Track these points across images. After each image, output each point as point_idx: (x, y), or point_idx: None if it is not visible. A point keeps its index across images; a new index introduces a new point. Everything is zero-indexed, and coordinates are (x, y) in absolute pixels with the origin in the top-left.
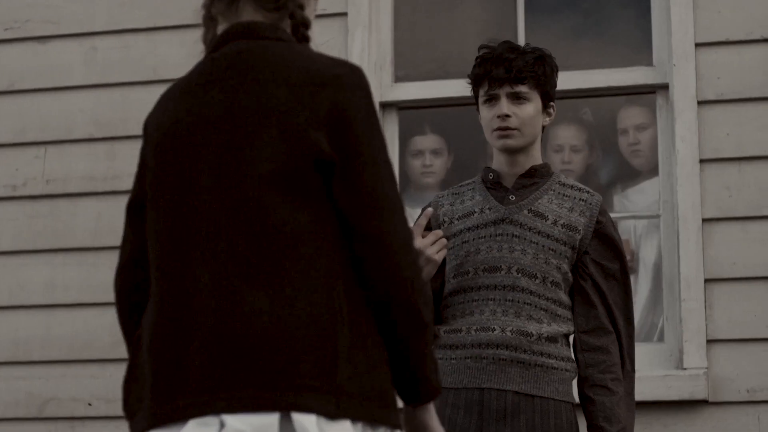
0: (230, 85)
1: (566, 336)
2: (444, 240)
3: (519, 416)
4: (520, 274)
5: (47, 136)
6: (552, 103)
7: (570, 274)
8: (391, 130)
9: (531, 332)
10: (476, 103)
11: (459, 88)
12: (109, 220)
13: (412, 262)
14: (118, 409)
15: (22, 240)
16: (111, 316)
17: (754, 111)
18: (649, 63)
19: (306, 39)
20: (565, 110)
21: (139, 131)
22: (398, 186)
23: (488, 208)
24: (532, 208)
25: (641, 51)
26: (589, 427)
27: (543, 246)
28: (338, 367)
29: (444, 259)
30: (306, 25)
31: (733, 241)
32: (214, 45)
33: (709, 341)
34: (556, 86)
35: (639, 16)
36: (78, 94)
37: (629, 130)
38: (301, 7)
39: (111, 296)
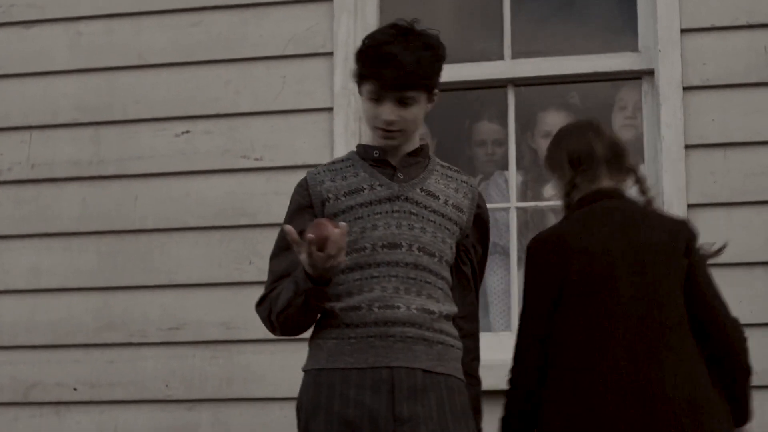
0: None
1: (453, 315)
2: (345, 225)
3: (428, 393)
4: (421, 252)
5: (32, 121)
6: (436, 90)
7: (454, 254)
8: None
9: (433, 310)
10: (358, 86)
11: (444, 72)
12: (94, 205)
13: None
14: (102, 394)
15: (6, 225)
16: (95, 301)
17: (739, 97)
18: (634, 49)
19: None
20: (552, 96)
21: (124, 116)
22: None
23: (379, 185)
24: (423, 187)
25: (627, 37)
26: None
27: (440, 225)
28: None
29: None
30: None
31: (717, 226)
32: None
33: None
34: (440, 73)
35: (625, 1)
36: (63, 79)
37: (629, 105)
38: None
39: (95, 281)
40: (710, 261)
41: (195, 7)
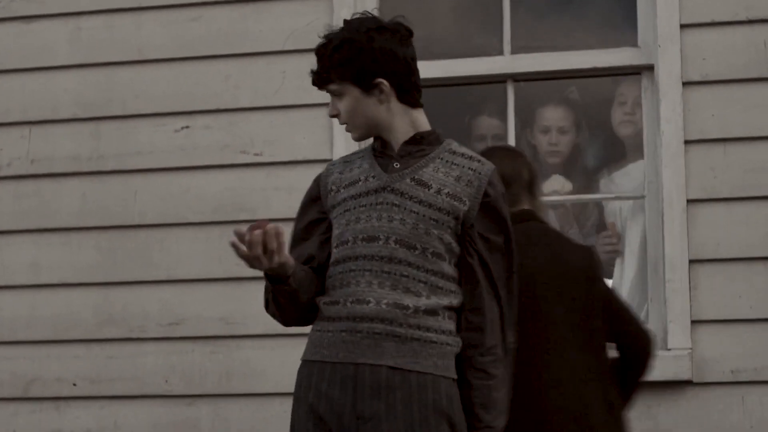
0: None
1: (449, 309)
2: (275, 228)
3: (394, 392)
4: (398, 245)
5: (32, 116)
6: (378, 80)
7: (455, 245)
8: None
9: (408, 305)
10: None
11: (444, 68)
12: (93, 201)
13: None
14: (102, 389)
15: (6, 220)
16: (95, 296)
17: (739, 92)
18: (634, 44)
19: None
20: (552, 92)
21: (123, 111)
22: None
23: (372, 176)
24: (416, 177)
25: (626, 32)
26: (465, 411)
27: (424, 216)
28: None
29: (331, 230)
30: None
31: (717, 222)
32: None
33: (693, 322)
34: (376, 61)
35: None
36: (63, 74)
37: (628, 101)
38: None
39: (95, 276)
40: None
41: (195, 3)
